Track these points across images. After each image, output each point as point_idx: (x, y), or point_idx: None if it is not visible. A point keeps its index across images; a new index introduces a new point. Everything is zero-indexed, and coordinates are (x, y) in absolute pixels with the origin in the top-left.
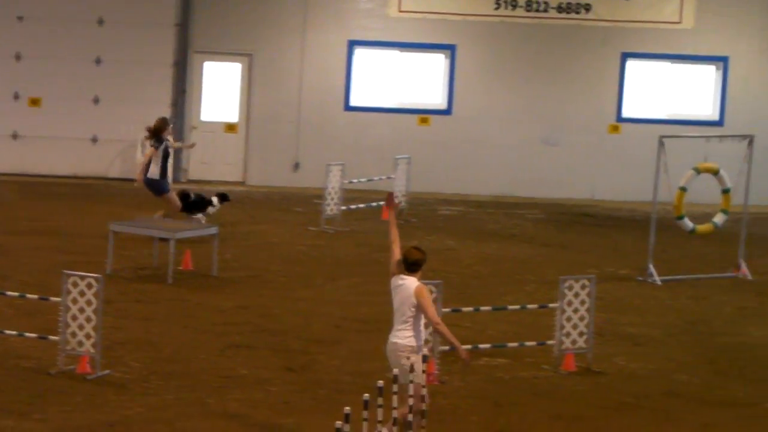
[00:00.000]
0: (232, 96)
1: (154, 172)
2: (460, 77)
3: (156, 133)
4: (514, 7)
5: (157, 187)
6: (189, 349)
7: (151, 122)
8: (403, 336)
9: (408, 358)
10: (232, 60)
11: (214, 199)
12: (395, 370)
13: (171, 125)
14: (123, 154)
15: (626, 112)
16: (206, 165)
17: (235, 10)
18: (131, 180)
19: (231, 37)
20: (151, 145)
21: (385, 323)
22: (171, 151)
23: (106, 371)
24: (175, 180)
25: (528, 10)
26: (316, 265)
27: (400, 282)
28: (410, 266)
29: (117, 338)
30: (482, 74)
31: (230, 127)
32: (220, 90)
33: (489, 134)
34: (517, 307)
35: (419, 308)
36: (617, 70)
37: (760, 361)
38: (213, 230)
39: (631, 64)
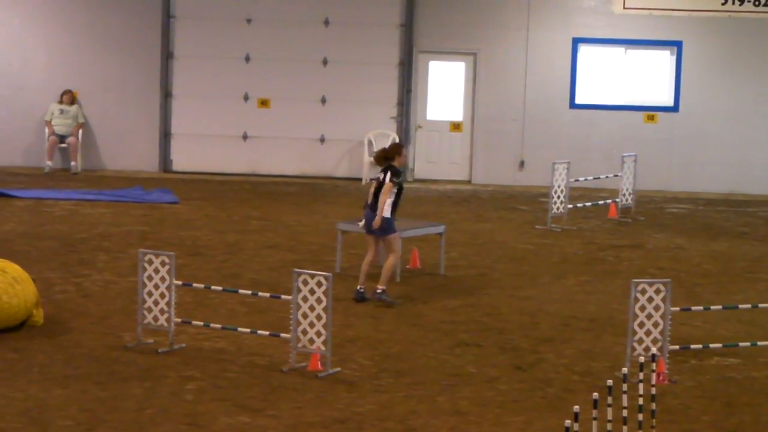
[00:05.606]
0: (457, 95)
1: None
2: (686, 74)
3: (388, 160)
4: (742, 2)
5: (387, 226)
6: (418, 347)
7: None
8: None
9: None
10: (457, 59)
11: None
12: (624, 369)
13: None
14: (350, 154)
15: None
16: (432, 164)
17: (459, 9)
18: (358, 179)
19: (455, 37)
20: (390, 180)
21: (613, 322)
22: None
23: (337, 369)
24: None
25: (756, 5)
26: (542, 263)
27: None
28: None
29: (347, 336)
30: (709, 70)
31: (455, 126)
32: (444, 89)
33: (717, 131)
34: (748, 306)
35: None
36: None
37: None
38: (440, 229)
39: None
